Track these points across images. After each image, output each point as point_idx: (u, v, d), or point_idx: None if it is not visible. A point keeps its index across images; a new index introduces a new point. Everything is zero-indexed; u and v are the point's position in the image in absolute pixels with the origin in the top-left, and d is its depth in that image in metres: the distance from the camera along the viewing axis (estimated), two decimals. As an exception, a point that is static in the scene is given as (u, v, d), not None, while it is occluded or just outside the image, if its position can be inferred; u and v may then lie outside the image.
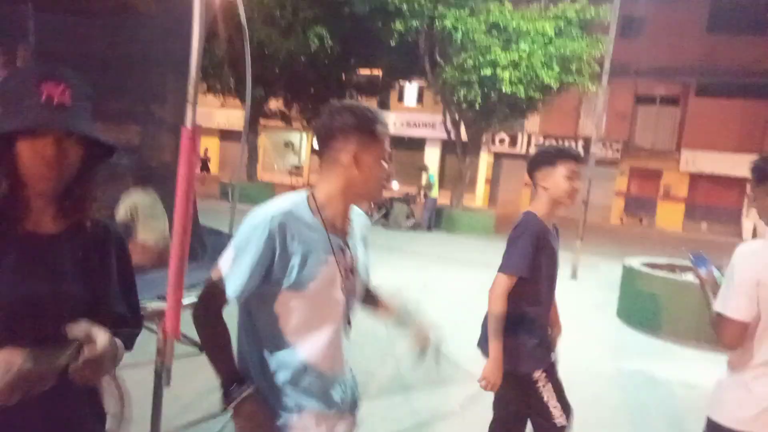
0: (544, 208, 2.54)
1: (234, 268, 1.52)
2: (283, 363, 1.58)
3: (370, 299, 1.89)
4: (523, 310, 2.50)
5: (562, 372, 2.66)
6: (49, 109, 1.14)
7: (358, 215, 1.76)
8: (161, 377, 2.43)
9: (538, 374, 2.51)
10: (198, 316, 1.58)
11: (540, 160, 2.55)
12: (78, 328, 1.06)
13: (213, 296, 1.55)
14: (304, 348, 1.57)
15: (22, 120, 1.13)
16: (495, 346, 2.45)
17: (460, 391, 4.28)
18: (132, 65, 4.52)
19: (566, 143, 23.67)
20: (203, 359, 4.51)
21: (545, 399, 2.51)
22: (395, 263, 9.26)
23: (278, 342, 1.57)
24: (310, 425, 1.60)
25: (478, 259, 9.23)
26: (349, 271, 1.62)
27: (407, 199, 15.14)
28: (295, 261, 1.50)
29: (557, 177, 2.47)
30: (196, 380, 3.97)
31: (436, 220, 15.19)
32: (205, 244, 3.99)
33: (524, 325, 2.50)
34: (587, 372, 5.05)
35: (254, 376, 1.58)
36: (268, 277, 1.51)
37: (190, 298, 2.33)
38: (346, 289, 1.61)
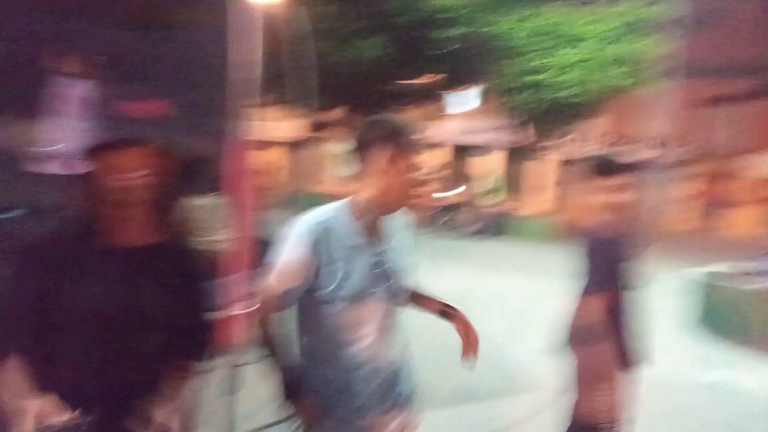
0: (602, 220, 2.45)
1: (282, 272, 1.61)
2: (332, 363, 1.68)
3: (415, 298, 1.96)
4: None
5: (645, 382, 2.54)
6: (126, 125, 1.24)
7: (397, 221, 1.83)
8: (233, 382, 2.45)
9: None
10: (257, 322, 1.66)
11: (586, 173, 2.50)
12: (160, 414, 1.09)
13: (268, 301, 1.64)
14: (350, 349, 1.67)
15: (103, 136, 1.23)
16: None
17: (528, 399, 4.12)
18: (187, 76, 4.65)
19: (635, 146, 22.80)
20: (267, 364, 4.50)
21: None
22: (458, 270, 9.13)
23: (325, 344, 1.67)
24: (360, 422, 1.70)
25: (544, 266, 8.96)
26: (388, 275, 1.70)
27: (471, 206, 14.95)
28: (337, 266, 1.60)
29: (597, 191, 2.42)
30: (263, 385, 4.00)
31: (501, 226, 14.92)
32: (265, 253, 4.03)
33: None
34: (670, 382, 4.77)
35: (308, 376, 1.68)
36: (313, 281, 1.61)
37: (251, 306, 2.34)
38: (386, 292, 1.69)
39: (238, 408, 3.36)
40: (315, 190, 19.55)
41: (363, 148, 1.70)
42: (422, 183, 1.67)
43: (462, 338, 1.90)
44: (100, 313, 1.20)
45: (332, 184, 26.77)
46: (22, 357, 1.18)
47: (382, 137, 1.65)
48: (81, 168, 1.25)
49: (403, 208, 1.72)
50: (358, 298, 1.63)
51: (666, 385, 4.51)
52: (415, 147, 1.67)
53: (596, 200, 2.39)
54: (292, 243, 1.60)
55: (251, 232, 2.44)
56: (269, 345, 1.65)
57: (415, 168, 1.65)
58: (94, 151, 1.22)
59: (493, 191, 14.83)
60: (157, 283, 1.31)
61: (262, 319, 1.65)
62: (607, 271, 2.36)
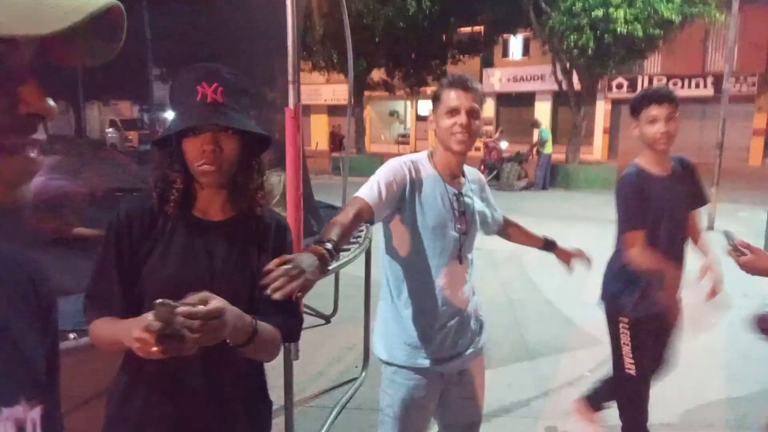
0: (644, 156, 2.50)
1: (375, 184, 1.77)
2: (405, 288, 1.89)
3: (509, 233, 2.31)
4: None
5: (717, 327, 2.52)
6: (203, 108, 1.25)
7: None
8: (290, 351, 2.52)
9: (625, 320, 2.52)
10: (339, 215, 1.71)
11: (630, 110, 2.49)
12: (196, 296, 1.09)
13: (354, 205, 1.72)
14: (424, 276, 1.88)
15: (181, 121, 1.27)
16: None
17: (587, 355, 4.08)
18: (241, 50, 4.66)
19: (693, 82, 21.59)
20: (328, 329, 4.70)
21: (621, 345, 2.55)
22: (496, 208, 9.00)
23: (402, 269, 1.89)
24: (423, 348, 1.91)
25: (599, 215, 8.74)
26: (463, 215, 1.92)
27: (519, 158, 14.55)
28: (420, 199, 1.84)
29: (642, 124, 2.41)
30: (323, 350, 4.13)
31: (552, 177, 14.49)
32: (320, 218, 4.08)
33: (627, 274, 2.47)
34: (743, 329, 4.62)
35: (384, 305, 1.96)
36: (399, 206, 1.82)
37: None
38: (460, 229, 1.91)
39: (301, 371, 3.48)
40: (364, 153, 19.56)
41: (432, 102, 1.94)
42: (455, 123, 1.82)
43: (566, 262, 2.33)
44: (186, 284, 1.20)
45: (383, 145, 26.75)
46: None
47: (435, 93, 1.89)
48: (164, 152, 1.32)
49: (451, 150, 1.87)
50: (439, 229, 1.85)
51: (736, 331, 4.36)
52: (447, 92, 1.85)
53: (645, 130, 2.38)
54: (386, 169, 1.83)
55: (308, 197, 2.47)
56: (337, 225, 1.62)
57: (448, 111, 1.83)
58: (178, 138, 1.28)
59: (543, 141, 14.35)
60: (235, 257, 1.35)
61: (346, 218, 1.66)
62: (625, 209, 2.43)
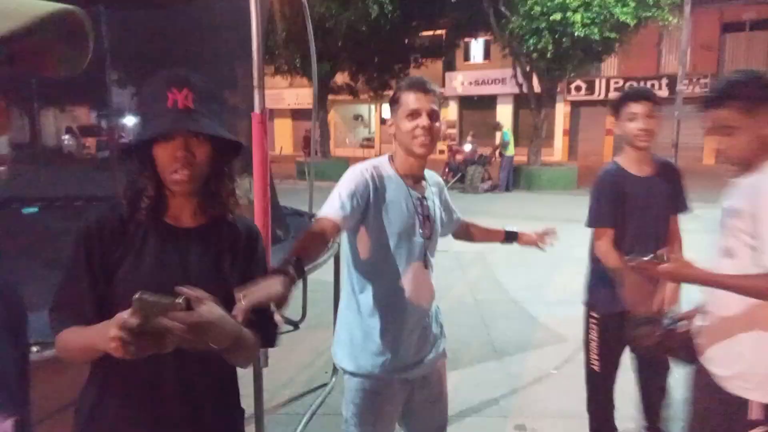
0: (624, 155, 2.53)
1: (336, 198, 1.77)
2: (372, 296, 1.86)
3: (471, 232, 2.31)
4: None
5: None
6: (174, 114, 1.23)
7: (431, 175, 2.05)
8: (259, 359, 2.49)
9: (595, 316, 2.58)
10: (305, 243, 1.72)
11: (610, 108, 2.53)
12: (189, 290, 1.07)
13: (318, 224, 1.75)
14: (391, 282, 1.86)
15: (152, 127, 1.24)
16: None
17: (554, 352, 4.17)
18: (202, 53, 4.60)
19: (648, 84, 22.25)
20: (298, 336, 4.64)
21: (589, 339, 2.60)
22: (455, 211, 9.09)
23: (369, 277, 1.87)
24: (398, 357, 1.89)
25: (562, 215, 8.91)
26: (426, 218, 1.91)
27: (482, 161, 14.75)
28: (385, 206, 1.82)
29: (623, 122, 2.44)
30: (292, 356, 4.10)
31: (514, 179, 14.75)
32: (287, 225, 4.05)
33: (599, 270, 2.51)
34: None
35: (350, 319, 1.92)
36: (364, 215, 1.80)
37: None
38: (425, 234, 1.90)
39: (271, 379, 3.44)
40: (329, 157, 19.51)
41: (390, 106, 1.92)
42: (416, 126, 1.80)
43: (534, 244, 2.33)
44: (160, 292, 1.16)
45: (348, 149, 26.73)
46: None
47: (394, 96, 1.88)
48: (133, 158, 1.30)
49: (413, 154, 1.86)
50: (405, 235, 1.84)
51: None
52: (407, 95, 1.82)
53: (626, 128, 2.41)
54: (347, 177, 1.82)
55: (273, 204, 2.46)
56: (304, 241, 1.68)
57: (408, 114, 1.81)
58: (147, 144, 1.26)
59: (505, 144, 14.59)
60: (207, 265, 1.34)
61: (313, 234, 1.72)
62: (597, 207, 2.48)
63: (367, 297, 1.89)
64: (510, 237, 2.32)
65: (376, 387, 1.91)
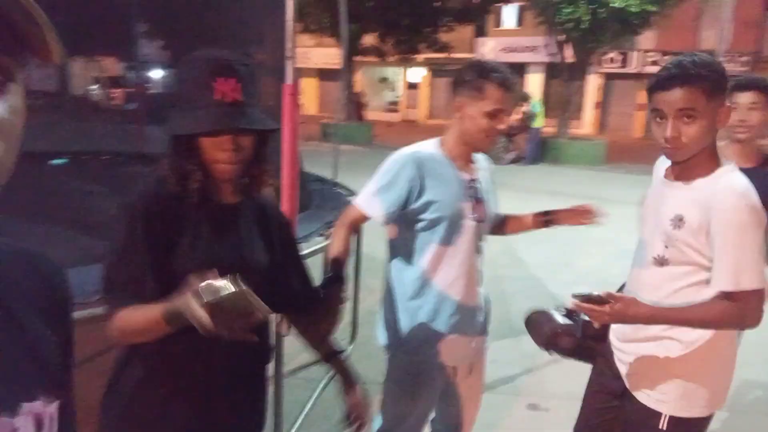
0: (725, 146, 2.32)
1: (380, 194, 1.78)
2: (417, 278, 1.85)
3: (501, 224, 2.17)
4: None
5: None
6: (223, 109, 1.21)
7: (482, 159, 1.99)
8: (279, 325, 2.52)
9: None
10: (336, 229, 1.86)
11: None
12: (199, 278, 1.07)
13: (347, 218, 1.85)
14: (437, 265, 1.83)
15: (200, 122, 1.22)
16: None
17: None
18: (229, 6, 4.53)
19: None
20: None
21: None
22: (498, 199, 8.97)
23: (415, 258, 1.85)
24: (439, 343, 1.88)
25: (587, 192, 8.79)
26: (477, 201, 1.87)
27: (508, 131, 14.47)
28: (432, 192, 1.77)
29: (731, 109, 2.31)
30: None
31: (541, 151, 14.49)
32: (310, 193, 4.04)
33: None
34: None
35: (391, 296, 1.92)
36: (409, 205, 1.77)
37: (303, 250, 2.35)
38: (477, 217, 1.86)
39: (289, 344, 3.48)
40: (353, 120, 19.37)
41: (455, 90, 1.79)
42: (493, 128, 1.73)
43: (578, 222, 2.05)
44: (220, 269, 1.23)
45: (373, 112, 26.53)
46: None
47: (462, 80, 1.75)
48: (176, 143, 1.29)
49: (475, 148, 1.85)
50: (456, 219, 1.81)
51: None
52: (494, 91, 1.71)
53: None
54: (391, 167, 1.79)
55: (296, 176, 2.44)
56: (337, 243, 1.79)
57: (490, 112, 1.71)
58: (194, 136, 1.26)
59: (533, 115, 14.29)
60: (254, 239, 1.39)
61: (343, 226, 1.84)
62: None
63: (411, 278, 1.87)
64: (546, 217, 2.10)
65: (417, 368, 1.92)
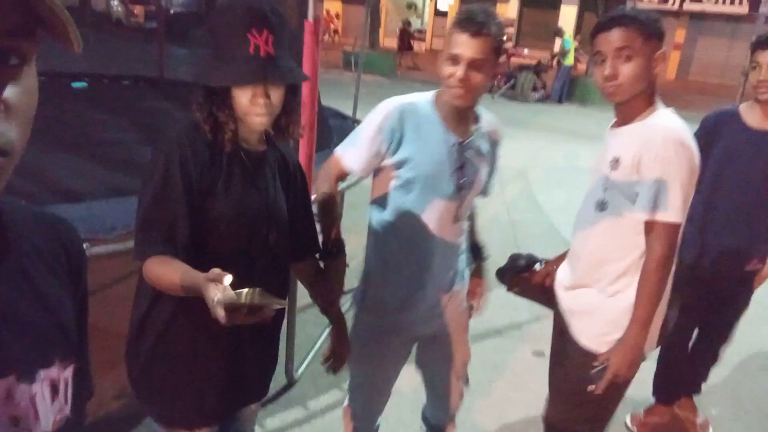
0: (749, 105, 2.32)
1: (351, 147, 1.70)
2: (390, 236, 1.76)
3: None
4: None
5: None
6: (257, 62, 1.24)
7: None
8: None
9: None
10: (316, 188, 1.80)
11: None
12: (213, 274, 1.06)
13: (329, 168, 1.77)
14: (410, 229, 1.72)
15: (235, 75, 1.26)
16: None
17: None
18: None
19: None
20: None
21: None
22: (520, 138, 8.81)
23: (387, 217, 1.74)
24: (397, 309, 1.80)
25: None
26: (461, 168, 1.70)
27: (537, 68, 14.00)
28: (409, 148, 1.64)
29: (750, 69, 2.24)
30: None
31: (570, 90, 14.00)
32: (330, 129, 3.99)
33: None
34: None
35: (371, 256, 1.83)
36: (386, 159, 1.67)
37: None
38: (457, 183, 1.69)
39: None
40: (377, 49, 18.84)
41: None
42: (452, 74, 1.58)
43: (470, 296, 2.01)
44: (248, 215, 1.34)
45: (395, 40, 25.76)
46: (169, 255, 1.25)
47: (448, 31, 1.62)
48: (208, 91, 1.31)
49: (451, 104, 1.65)
50: (430, 180, 1.67)
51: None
52: (453, 33, 1.58)
53: (750, 76, 2.23)
54: (370, 118, 1.69)
55: (315, 119, 2.40)
56: (324, 204, 1.75)
57: (449, 58, 1.58)
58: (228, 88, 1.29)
59: (565, 52, 13.72)
60: (281, 185, 1.46)
61: (325, 182, 1.77)
62: None
63: (385, 237, 1.78)
64: (474, 252, 2.01)
65: (375, 331, 1.86)
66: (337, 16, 25.76)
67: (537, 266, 2.08)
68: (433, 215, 1.71)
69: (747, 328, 2.81)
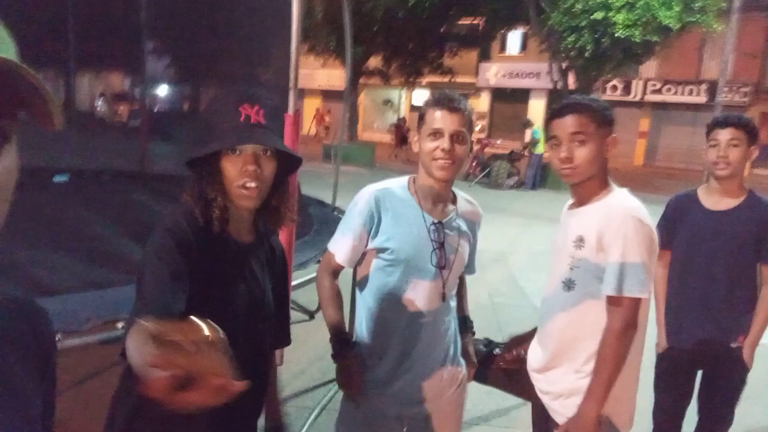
0: (707, 184, 2.44)
1: (339, 239, 1.76)
2: (378, 324, 1.76)
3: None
4: None
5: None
6: (248, 128, 1.25)
7: (467, 206, 1.87)
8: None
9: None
10: (318, 283, 1.83)
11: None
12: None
13: (327, 264, 1.81)
14: (399, 311, 1.73)
15: (226, 139, 1.25)
16: None
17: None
18: (237, 26, 4.58)
19: (687, 89, 21.70)
20: (312, 326, 4.63)
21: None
22: (498, 224, 9.00)
23: (376, 305, 1.75)
24: (386, 392, 1.77)
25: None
26: (442, 246, 1.73)
27: (510, 157, 14.54)
28: (387, 228, 1.70)
29: (706, 147, 2.36)
30: (305, 347, 4.11)
31: (542, 178, 14.48)
32: (310, 217, 4.04)
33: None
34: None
35: (359, 335, 1.82)
36: (366, 242, 1.73)
37: (301, 278, 2.33)
38: (439, 262, 1.72)
39: (284, 368, 3.45)
40: (356, 141, 19.48)
41: (417, 121, 1.77)
42: (437, 148, 1.66)
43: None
44: (248, 311, 1.32)
45: (375, 134, 26.69)
46: None
47: (420, 111, 1.74)
48: (198, 170, 1.29)
49: (432, 176, 1.71)
50: (413, 262, 1.71)
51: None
52: (431, 112, 1.69)
53: (707, 154, 2.33)
54: (350, 210, 1.76)
55: (295, 203, 2.44)
56: (326, 301, 1.79)
57: (431, 134, 1.67)
58: (216, 159, 1.26)
59: (534, 141, 14.33)
60: (270, 279, 1.42)
61: (323, 279, 1.81)
62: (662, 225, 2.43)
63: (370, 318, 1.78)
64: (463, 326, 1.98)
65: (363, 414, 1.81)
66: (329, 112, 26.71)
67: (497, 350, 2.06)
68: (417, 295, 1.72)
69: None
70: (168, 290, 1.16)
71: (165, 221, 1.26)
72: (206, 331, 0.71)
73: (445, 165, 1.65)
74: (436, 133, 1.66)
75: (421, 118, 1.72)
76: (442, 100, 1.68)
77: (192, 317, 0.75)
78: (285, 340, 1.58)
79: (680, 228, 2.42)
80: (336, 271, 1.81)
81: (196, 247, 1.23)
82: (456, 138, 1.65)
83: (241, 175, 1.25)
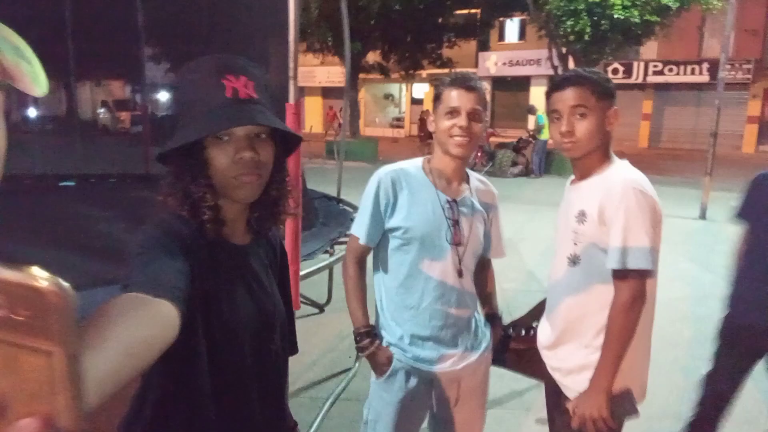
0: None
1: (358, 219, 1.81)
2: (398, 304, 1.80)
3: (481, 280, 2.00)
4: None
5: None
6: (237, 105, 1.00)
7: (484, 187, 1.93)
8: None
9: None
10: (343, 272, 1.89)
11: None
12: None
13: (353, 249, 1.86)
14: (416, 288, 1.77)
15: (215, 122, 0.99)
16: None
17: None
18: (236, 28, 4.60)
19: (689, 68, 21.53)
20: (323, 318, 4.67)
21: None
22: (505, 211, 8.93)
23: (394, 285, 1.80)
24: (429, 365, 1.80)
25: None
26: (456, 223, 1.78)
27: (514, 145, 14.48)
28: (403, 212, 1.74)
29: None
30: (316, 339, 4.13)
31: (547, 164, 14.41)
32: (316, 210, 4.05)
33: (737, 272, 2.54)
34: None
35: (379, 320, 1.86)
36: (384, 221, 1.77)
37: (309, 268, 2.34)
38: (454, 239, 1.77)
39: (295, 360, 3.47)
40: (358, 137, 19.46)
41: (433, 102, 1.81)
42: (454, 125, 1.70)
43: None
44: (258, 324, 1.12)
45: (377, 129, 26.68)
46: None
47: (436, 91, 1.78)
48: (178, 163, 1.05)
49: (449, 153, 1.76)
50: (428, 239, 1.74)
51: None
52: (447, 91, 1.73)
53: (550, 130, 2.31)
54: (366, 190, 1.79)
55: (302, 190, 2.45)
56: (350, 288, 1.85)
57: (448, 112, 1.71)
58: (199, 146, 1.02)
59: (539, 127, 14.27)
60: (272, 281, 1.22)
61: (348, 263, 1.86)
62: (744, 198, 2.47)
63: (386, 299, 1.84)
64: (490, 318, 2.04)
65: (400, 395, 1.83)
66: (341, 110, 26.74)
67: (511, 332, 2.05)
68: (434, 272, 1.76)
69: None
70: (156, 264, 0.90)
71: (150, 224, 1.03)
72: (41, 282, 0.36)
73: (462, 142, 1.70)
74: (453, 112, 1.71)
75: (437, 98, 1.77)
76: (458, 79, 1.73)
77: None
78: (292, 349, 1.36)
79: (759, 203, 2.41)
80: (362, 256, 1.85)
81: (195, 248, 1.00)
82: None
83: (235, 166, 1.01)
